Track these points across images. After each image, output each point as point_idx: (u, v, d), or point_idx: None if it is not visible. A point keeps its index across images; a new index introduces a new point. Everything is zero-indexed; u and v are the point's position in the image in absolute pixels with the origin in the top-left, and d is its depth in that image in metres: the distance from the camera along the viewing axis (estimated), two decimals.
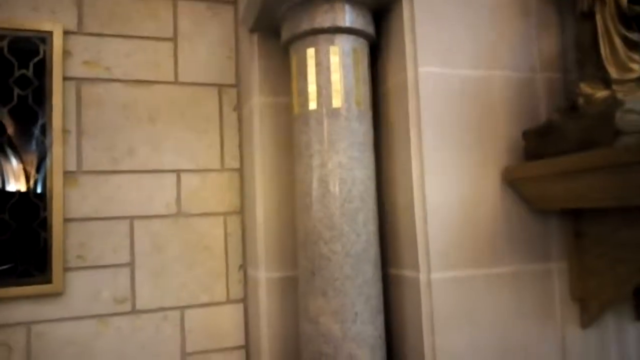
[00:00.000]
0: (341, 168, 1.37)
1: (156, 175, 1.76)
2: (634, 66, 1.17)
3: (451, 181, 1.37)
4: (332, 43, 1.39)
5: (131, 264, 1.73)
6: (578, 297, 1.43)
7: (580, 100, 1.21)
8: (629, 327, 1.50)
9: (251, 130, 1.65)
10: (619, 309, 1.50)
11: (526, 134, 1.36)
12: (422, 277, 1.34)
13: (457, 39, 1.41)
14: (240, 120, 1.83)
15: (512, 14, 1.48)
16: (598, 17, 1.19)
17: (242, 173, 1.81)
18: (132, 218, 1.74)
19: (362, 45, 1.44)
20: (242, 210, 1.81)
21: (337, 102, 1.38)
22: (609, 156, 1.08)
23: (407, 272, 1.40)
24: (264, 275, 1.56)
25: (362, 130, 1.40)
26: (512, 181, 1.39)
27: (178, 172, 1.77)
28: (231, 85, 1.86)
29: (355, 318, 1.34)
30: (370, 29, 1.45)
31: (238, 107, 1.84)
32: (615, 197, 1.15)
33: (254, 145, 1.61)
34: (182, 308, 1.75)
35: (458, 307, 1.35)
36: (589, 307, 1.41)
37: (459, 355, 1.33)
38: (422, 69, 1.36)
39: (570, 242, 1.44)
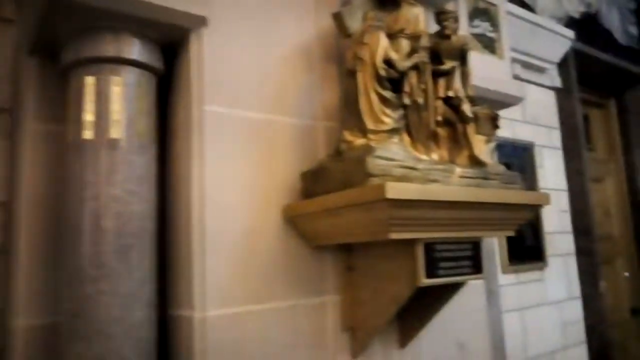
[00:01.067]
0: (116, 202, 1.30)
1: None
2: (387, 119, 1.35)
3: (232, 219, 1.39)
4: (115, 73, 1.34)
5: None
6: (348, 328, 1.54)
7: (343, 146, 1.35)
8: (394, 354, 1.66)
9: (22, 160, 1.49)
10: (386, 337, 1.65)
11: (303, 175, 1.46)
12: (197, 315, 1.31)
13: (245, 83, 1.48)
14: (11, 148, 1.64)
15: (298, 66, 1.61)
16: (359, 75, 1.35)
17: (9, 207, 1.60)
18: None
19: (148, 79, 1.42)
20: (7, 250, 1.59)
21: (115, 132, 1.32)
22: (359, 194, 1.21)
23: (184, 312, 1.36)
24: (24, 322, 1.37)
25: (142, 163, 1.36)
26: (290, 219, 1.47)
27: None
28: (3, 110, 1.66)
29: None
30: (158, 64, 1.44)
31: (10, 135, 1.65)
32: (369, 232, 1.29)
33: (23, 175, 1.45)
34: None
35: (234, 345, 1.34)
36: (357, 336, 1.53)
37: None
38: (207, 108, 1.39)
39: (343, 276, 1.56)
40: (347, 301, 1.55)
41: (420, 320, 1.61)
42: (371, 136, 1.32)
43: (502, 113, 3.19)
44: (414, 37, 1.52)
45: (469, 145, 1.56)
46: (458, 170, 1.42)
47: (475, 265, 1.44)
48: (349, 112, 1.37)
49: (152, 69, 1.42)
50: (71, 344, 1.23)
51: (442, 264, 1.36)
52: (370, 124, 1.32)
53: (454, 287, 1.52)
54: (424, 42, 1.51)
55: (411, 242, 1.32)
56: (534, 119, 3.45)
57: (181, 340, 1.37)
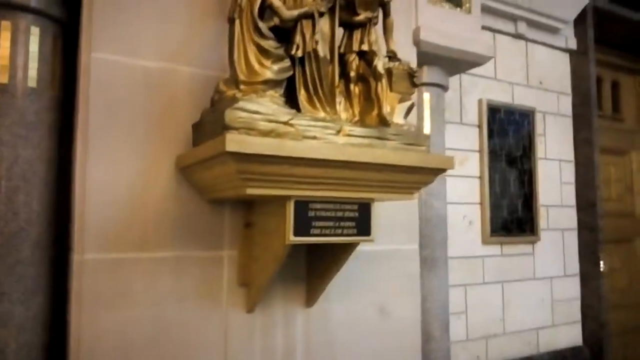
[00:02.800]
0: (3, 145, 1.35)
1: None
2: (263, 70, 1.29)
3: (119, 168, 1.40)
4: (3, 18, 1.37)
5: None
6: (242, 283, 1.54)
7: (216, 97, 1.32)
8: (297, 312, 1.65)
9: None
10: (291, 294, 1.64)
11: (193, 126, 1.45)
12: (76, 257, 1.36)
13: (142, 30, 1.46)
14: None
15: (209, 12, 1.56)
16: (237, 23, 1.30)
17: None
18: None
19: (45, 25, 1.44)
20: None
21: (3, 77, 1.36)
22: (210, 147, 1.19)
23: (71, 254, 1.41)
24: None
25: (33, 108, 1.40)
26: (182, 169, 1.46)
27: None
28: None
29: (1, 298, 1.33)
30: (56, 10, 1.45)
31: None
32: (233, 186, 1.27)
33: None
34: None
35: (113, 289, 1.38)
36: (251, 292, 1.53)
37: (107, 331, 1.36)
38: (95, 55, 1.40)
39: (241, 232, 1.55)
40: (243, 257, 1.54)
41: (321, 280, 1.59)
42: (243, 87, 1.27)
43: (501, 76, 3.03)
44: None
45: (378, 103, 1.48)
46: (346, 127, 1.35)
47: (361, 227, 1.38)
48: (229, 62, 1.33)
49: (48, 16, 1.44)
50: None
51: (317, 223, 1.32)
52: (242, 75, 1.28)
53: (347, 248, 1.47)
54: None
55: (285, 199, 1.29)
56: (541, 82, 3.21)
57: (68, 280, 1.43)
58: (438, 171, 1.44)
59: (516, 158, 3.03)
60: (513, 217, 3.00)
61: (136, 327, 1.40)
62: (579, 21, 3.31)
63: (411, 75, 1.55)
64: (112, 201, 1.40)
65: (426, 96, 2.10)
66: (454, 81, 2.68)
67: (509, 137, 3.01)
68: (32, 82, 1.40)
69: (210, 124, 1.29)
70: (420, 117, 2.07)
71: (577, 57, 3.35)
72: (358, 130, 1.37)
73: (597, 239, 3.25)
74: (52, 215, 1.45)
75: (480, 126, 2.92)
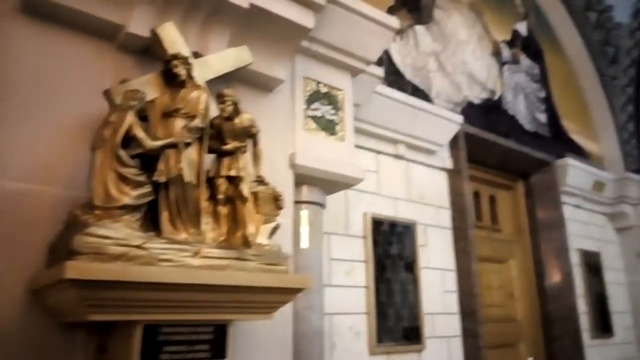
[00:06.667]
0: None
1: None
2: (120, 196, 1.34)
3: None
4: None
5: None
6: None
7: (70, 220, 1.34)
8: None
9: None
10: None
11: (49, 247, 1.43)
12: None
13: (9, 153, 1.48)
14: None
15: (78, 140, 1.60)
16: (98, 152, 1.37)
17: None
18: None
19: None
20: None
21: None
22: (54, 273, 1.19)
23: None
24: None
25: None
26: (33, 292, 1.42)
27: None
28: None
29: None
30: None
31: None
32: (77, 311, 1.25)
33: None
34: None
35: None
36: None
37: None
38: None
39: (94, 357, 1.49)
40: None
41: None
42: (98, 212, 1.31)
43: (385, 192, 3.27)
44: (190, 117, 1.55)
45: (243, 224, 1.56)
46: (204, 250, 1.41)
47: (216, 350, 1.39)
48: (88, 187, 1.37)
49: None
50: None
51: (168, 348, 1.31)
52: (98, 201, 1.32)
53: None
54: (196, 122, 1.54)
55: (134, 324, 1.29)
56: (420, 198, 3.50)
57: None
58: (295, 291, 1.51)
59: (401, 267, 3.20)
60: (399, 326, 3.09)
61: None
62: (454, 144, 3.73)
63: (276, 198, 1.67)
64: None
65: (304, 213, 2.23)
66: (339, 196, 2.87)
67: (393, 247, 3.20)
68: None
69: (61, 247, 1.30)
70: (296, 233, 2.17)
71: (453, 175, 3.73)
72: (217, 251, 1.43)
73: (479, 346, 3.41)
74: None
75: (365, 237, 3.09)
